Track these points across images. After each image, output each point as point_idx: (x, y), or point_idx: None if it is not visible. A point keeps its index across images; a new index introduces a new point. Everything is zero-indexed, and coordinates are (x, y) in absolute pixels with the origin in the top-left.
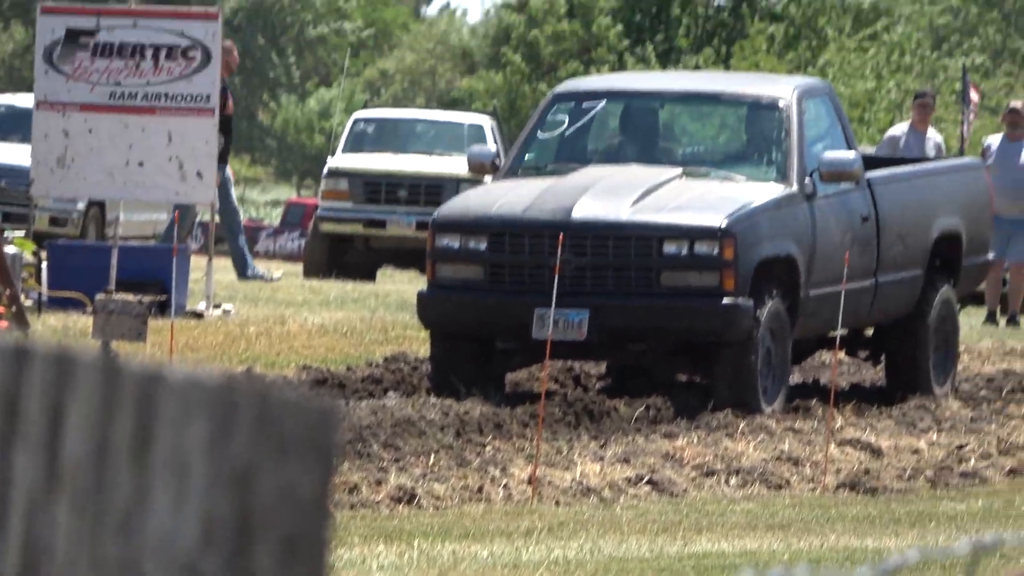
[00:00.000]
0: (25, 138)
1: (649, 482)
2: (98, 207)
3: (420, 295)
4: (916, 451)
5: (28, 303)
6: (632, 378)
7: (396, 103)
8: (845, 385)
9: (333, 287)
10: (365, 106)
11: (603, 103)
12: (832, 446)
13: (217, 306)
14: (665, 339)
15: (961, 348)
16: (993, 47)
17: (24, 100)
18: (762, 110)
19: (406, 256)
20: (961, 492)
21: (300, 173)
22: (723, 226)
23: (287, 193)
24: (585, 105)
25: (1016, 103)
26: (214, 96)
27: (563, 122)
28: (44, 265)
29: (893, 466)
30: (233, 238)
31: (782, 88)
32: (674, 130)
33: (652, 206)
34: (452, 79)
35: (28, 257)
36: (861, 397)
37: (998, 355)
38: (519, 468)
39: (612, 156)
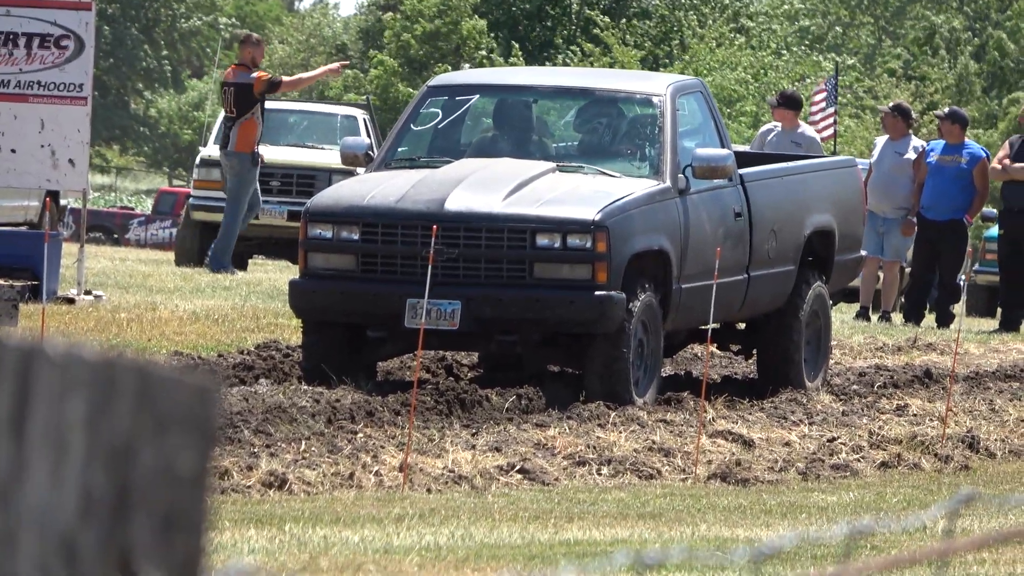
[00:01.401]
0: None
1: (521, 471)
2: None
3: (292, 283)
4: (787, 443)
5: None
6: (504, 368)
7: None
8: (717, 378)
9: (204, 275)
10: None
11: (476, 97)
12: (703, 437)
13: (88, 292)
14: (537, 330)
15: (833, 343)
16: (866, 51)
17: None
18: (636, 106)
19: (277, 246)
20: (832, 484)
21: (172, 163)
22: (596, 219)
23: (159, 182)
24: (459, 99)
25: (888, 106)
26: (87, 85)
27: (437, 115)
28: None
29: (764, 458)
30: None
31: (656, 84)
32: (547, 125)
33: (525, 199)
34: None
35: None
36: (733, 390)
37: (870, 350)
38: (390, 455)
39: (485, 150)
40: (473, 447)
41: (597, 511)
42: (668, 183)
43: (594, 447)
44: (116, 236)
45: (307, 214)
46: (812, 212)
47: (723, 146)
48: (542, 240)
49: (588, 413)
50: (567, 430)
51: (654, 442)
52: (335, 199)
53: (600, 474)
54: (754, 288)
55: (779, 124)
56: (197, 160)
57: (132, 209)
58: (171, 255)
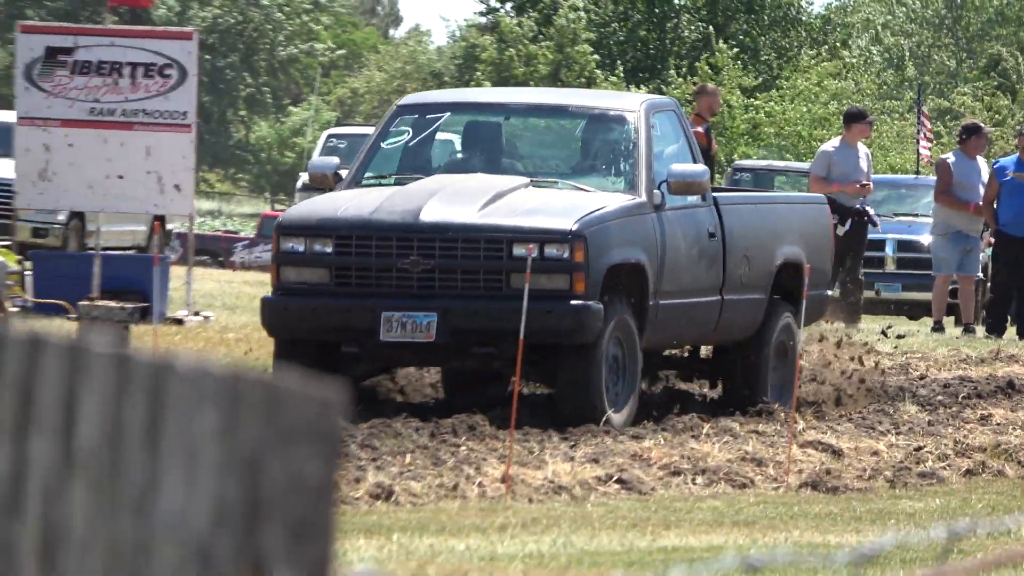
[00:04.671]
0: (6, 153)
1: (618, 481)
2: (79, 218)
3: (264, 300)
4: (875, 453)
5: (14, 310)
6: (470, 387)
7: (367, 121)
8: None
9: None
10: (337, 123)
11: (447, 114)
12: (794, 447)
13: (196, 313)
14: (515, 341)
15: (918, 356)
16: (948, 70)
17: (3, 116)
18: (610, 123)
19: None
20: (919, 491)
21: (273, 188)
22: (574, 229)
23: (261, 207)
24: (429, 117)
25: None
26: (191, 113)
27: (407, 133)
28: (29, 274)
29: (853, 467)
30: None
31: (630, 102)
32: (521, 142)
33: (501, 210)
34: None
35: (12, 266)
36: (700, 409)
37: (954, 363)
38: (492, 467)
39: (457, 167)
40: (572, 459)
41: (693, 519)
42: (644, 198)
43: (688, 458)
44: (221, 259)
45: (279, 228)
46: (783, 243)
47: (696, 163)
48: (519, 250)
49: (682, 425)
50: (662, 441)
51: (747, 452)
52: (308, 212)
53: (695, 483)
54: (727, 312)
55: (837, 141)
56: (298, 185)
57: (236, 233)
58: None
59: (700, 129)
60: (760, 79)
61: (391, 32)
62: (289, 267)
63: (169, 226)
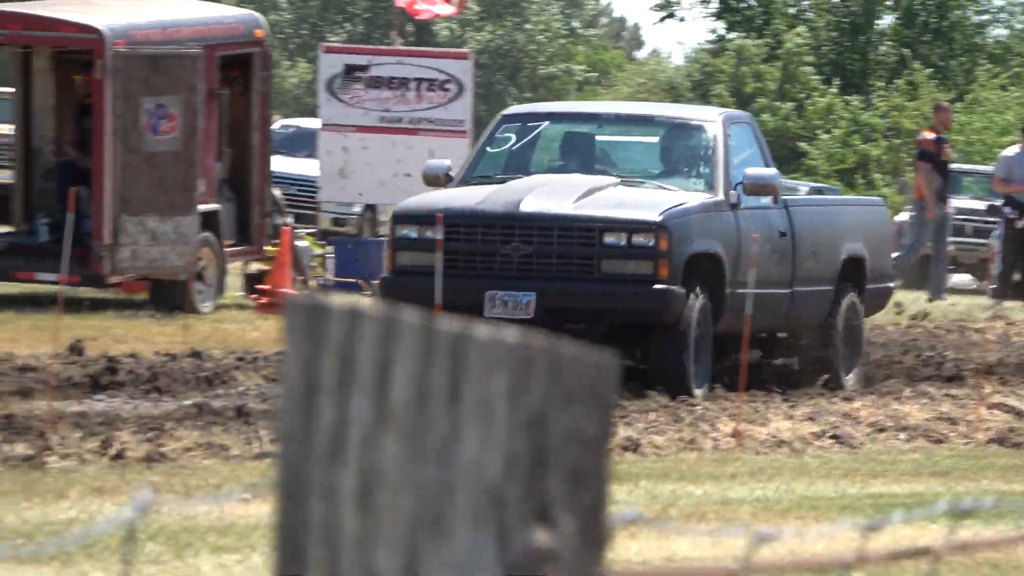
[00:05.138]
0: (311, 154)
1: (832, 436)
2: (371, 210)
3: (382, 279)
4: None
5: (317, 287)
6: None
7: None
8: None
9: None
10: None
11: (546, 123)
12: (982, 409)
13: None
14: (604, 320)
15: None
16: None
17: (308, 123)
18: (692, 131)
19: None
20: None
21: None
22: (659, 220)
23: None
24: (530, 125)
25: None
26: (467, 121)
27: (511, 139)
28: (330, 257)
29: None
30: (938, 265)
31: (710, 113)
32: (612, 147)
33: (593, 203)
34: None
35: (316, 250)
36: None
37: None
38: (724, 424)
39: (555, 168)
40: (792, 417)
41: (896, 469)
42: (721, 197)
43: (892, 417)
44: None
45: (395, 217)
46: (847, 240)
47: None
48: (609, 239)
49: (886, 389)
50: (869, 403)
51: (941, 412)
52: (421, 203)
53: (897, 439)
54: (797, 302)
55: (1017, 148)
56: None
57: None
58: None
59: (931, 137)
60: (952, 93)
61: (634, 54)
62: (404, 251)
63: None
